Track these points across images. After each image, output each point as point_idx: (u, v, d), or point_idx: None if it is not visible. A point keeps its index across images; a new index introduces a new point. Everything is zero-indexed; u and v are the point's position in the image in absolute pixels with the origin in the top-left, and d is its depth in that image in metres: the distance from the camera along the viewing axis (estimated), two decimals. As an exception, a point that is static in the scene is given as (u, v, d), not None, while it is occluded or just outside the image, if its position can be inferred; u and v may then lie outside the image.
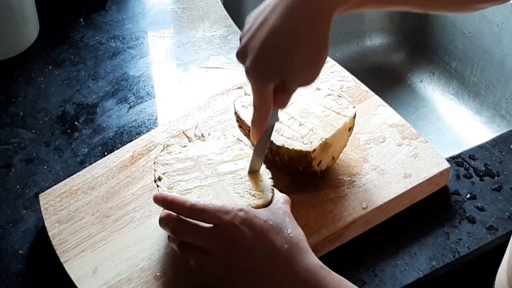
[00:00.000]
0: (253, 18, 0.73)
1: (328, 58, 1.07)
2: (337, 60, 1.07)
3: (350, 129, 0.90)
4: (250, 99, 0.91)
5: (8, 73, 1.15)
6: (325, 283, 0.72)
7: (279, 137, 0.87)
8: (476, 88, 1.35)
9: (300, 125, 0.88)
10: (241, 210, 0.73)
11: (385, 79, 1.43)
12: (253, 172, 0.82)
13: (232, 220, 0.72)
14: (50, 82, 1.13)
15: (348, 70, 1.05)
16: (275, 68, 0.72)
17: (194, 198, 0.77)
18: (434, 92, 1.40)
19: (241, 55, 0.74)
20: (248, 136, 0.91)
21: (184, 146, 0.87)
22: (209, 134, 0.88)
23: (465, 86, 1.37)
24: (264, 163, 0.83)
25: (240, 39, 0.74)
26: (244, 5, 1.40)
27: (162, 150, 0.86)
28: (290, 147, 0.85)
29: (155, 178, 0.82)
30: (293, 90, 0.76)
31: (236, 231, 0.72)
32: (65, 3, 1.27)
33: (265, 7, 0.72)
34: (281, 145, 0.86)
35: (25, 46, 1.18)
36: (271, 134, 0.82)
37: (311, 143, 0.85)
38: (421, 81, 1.42)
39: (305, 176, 0.89)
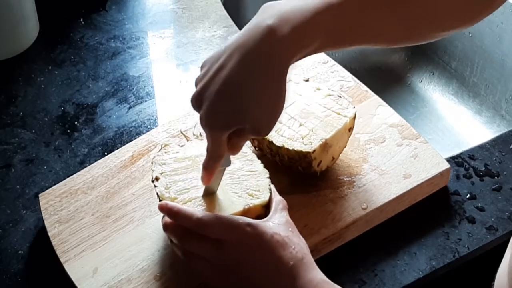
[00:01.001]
0: (209, 63, 0.71)
1: (328, 58, 1.07)
2: (337, 60, 1.07)
3: (350, 129, 0.90)
4: None
5: (8, 73, 1.15)
6: None
7: (279, 138, 0.87)
8: (476, 88, 1.35)
9: (300, 125, 0.88)
10: (248, 225, 0.72)
11: (385, 79, 1.43)
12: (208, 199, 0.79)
13: (239, 236, 0.72)
14: (50, 82, 1.13)
15: (348, 70, 1.05)
16: (230, 118, 0.70)
17: (200, 210, 0.76)
18: (434, 92, 1.40)
19: (196, 103, 0.72)
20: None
21: (182, 146, 0.86)
22: None
23: (465, 86, 1.37)
24: (263, 163, 0.83)
25: (196, 85, 0.72)
26: (244, 5, 1.40)
27: (160, 149, 0.86)
28: (290, 148, 0.85)
29: (152, 178, 0.82)
30: (248, 138, 0.75)
31: (243, 247, 0.71)
32: (65, 3, 1.27)
33: (221, 53, 0.70)
34: (281, 145, 0.86)
35: (25, 46, 1.18)
36: (221, 177, 0.79)
37: (311, 144, 0.85)
38: (421, 81, 1.42)
39: (305, 176, 0.89)
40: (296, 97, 0.91)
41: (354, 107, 0.89)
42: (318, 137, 0.86)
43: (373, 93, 1.01)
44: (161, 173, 0.82)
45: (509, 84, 1.29)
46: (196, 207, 0.78)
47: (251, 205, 0.77)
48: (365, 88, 1.02)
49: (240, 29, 1.22)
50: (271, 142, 0.86)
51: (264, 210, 0.78)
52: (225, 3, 1.29)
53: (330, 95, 0.91)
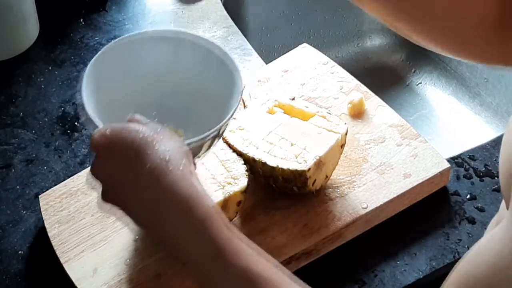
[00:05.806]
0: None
1: (328, 59, 1.07)
2: (337, 60, 1.07)
3: (342, 146, 0.88)
4: (236, 123, 0.90)
5: (8, 73, 1.15)
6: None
7: (272, 158, 0.84)
8: (476, 88, 1.35)
9: (292, 145, 0.86)
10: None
11: (385, 79, 1.43)
12: None
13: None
14: (50, 83, 1.13)
15: (348, 70, 1.05)
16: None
17: None
18: (434, 93, 1.40)
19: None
20: (240, 155, 0.88)
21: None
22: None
23: (465, 86, 1.37)
24: (245, 164, 0.84)
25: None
26: (244, 5, 1.40)
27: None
28: (285, 167, 0.83)
29: None
30: None
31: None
32: (65, 3, 1.27)
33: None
34: (275, 165, 0.83)
35: (25, 46, 1.18)
36: None
37: (306, 162, 0.83)
38: (421, 81, 1.42)
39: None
40: (284, 117, 0.90)
41: (346, 123, 0.89)
42: (311, 154, 0.84)
43: (373, 94, 1.01)
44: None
45: (509, 84, 1.29)
46: None
47: (231, 193, 0.80)
48: (365, 88, 1.02)
49: (240, 29, 1.23)
50: (264, 163, 0.84)
51: (244, 195, 0.81)
52: (225, 3, 1.29)
53: (318, 112, 0.90)
